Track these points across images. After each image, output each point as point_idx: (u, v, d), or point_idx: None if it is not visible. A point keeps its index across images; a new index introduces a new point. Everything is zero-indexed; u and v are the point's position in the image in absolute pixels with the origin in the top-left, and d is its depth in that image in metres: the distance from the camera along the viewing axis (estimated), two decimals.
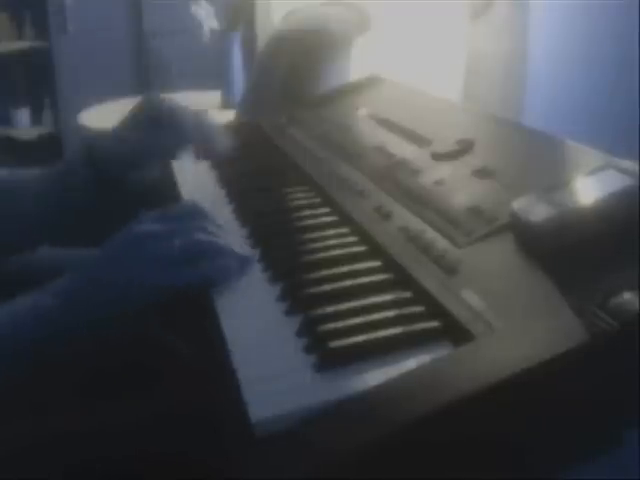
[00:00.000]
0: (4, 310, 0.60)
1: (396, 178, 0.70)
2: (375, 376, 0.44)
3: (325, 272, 0.58)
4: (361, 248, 0.62)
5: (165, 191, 0.87)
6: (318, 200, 0.74)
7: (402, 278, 0.55)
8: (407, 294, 0.53)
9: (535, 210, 0.52)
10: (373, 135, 0.85)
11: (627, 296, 0.42)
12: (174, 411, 0.63)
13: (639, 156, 0.55)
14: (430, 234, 0.58)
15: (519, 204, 0.54)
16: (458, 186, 0.64)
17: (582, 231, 0.49)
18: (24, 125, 3.22)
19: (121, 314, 0.61)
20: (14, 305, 0.60)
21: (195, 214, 0.66)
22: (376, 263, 0.58)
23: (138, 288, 0.59)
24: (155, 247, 0.60)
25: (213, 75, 2.43)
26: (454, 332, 0.47)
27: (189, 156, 0.98)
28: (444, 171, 0.68)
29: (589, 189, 0.54)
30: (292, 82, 1.18)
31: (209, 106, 2.33)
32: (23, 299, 0.61)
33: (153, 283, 0.59)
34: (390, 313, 0.50)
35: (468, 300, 0.48)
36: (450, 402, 0.40)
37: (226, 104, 2.27)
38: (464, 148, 0.71)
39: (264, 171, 0.89)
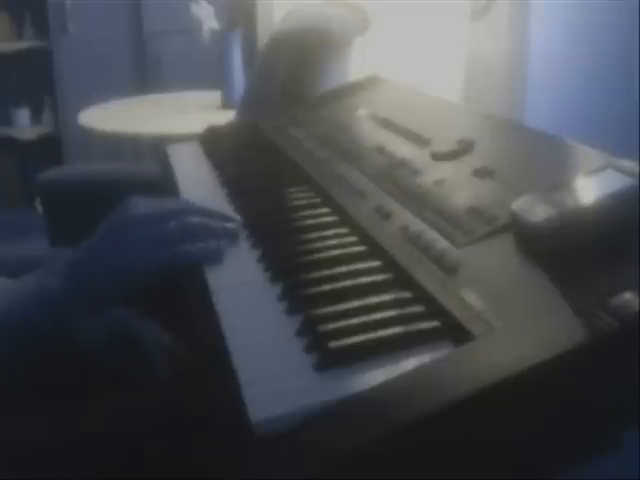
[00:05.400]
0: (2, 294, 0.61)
1: (396, 178, 0.70)
2: (375, 376, 0.44)
3: (325, 272, 0.58)
4: (361, 248, 0.62)
5: (165, 190, 0.87)
6: (318, 200, 0.74)
7: (402, 278, 0.55)
8: (407, 294, 0.53)
9: (535, 210, 0.52)
10: (373, 135, 0.85)
11: (627, 296, 0.42)
12: (174, 411, 0.63)
13: (639, 156, 0.55)
14: (430, 234, 0.58)
15: (519, 204, 0.54)
16: (458, 186, 0.64)
17: (582, 231, 0.49)
18: (24, 125, 3.22)
19: (117, 298, 0.63)
20: (11, 289, 0.61)
21: (183, 202, 0.69)
22: (376, 263, 0.58)
23: (130, 270, 0.61)
24: (148, 230, 0.62)
25: (213, 75, 2.43)
26: (454, 332, 0.47)
27: (189, 155, 0.98)
28: (444, 171, 0.68)
29: (589, 189, 0.54)
30: (292, 82, 1.18)
31: (209, 106, 2.33)
32: (19, 282, 0.62)
33: (144, 265, 0.61)
34: (390, 313, 0.50)
35: (468, 300, 0.48)
36: (450, 402, 0.40)
37: (226, 104, 2.27)
38: (464, 148, 0.70)
39: (264, 171, 0.89)
